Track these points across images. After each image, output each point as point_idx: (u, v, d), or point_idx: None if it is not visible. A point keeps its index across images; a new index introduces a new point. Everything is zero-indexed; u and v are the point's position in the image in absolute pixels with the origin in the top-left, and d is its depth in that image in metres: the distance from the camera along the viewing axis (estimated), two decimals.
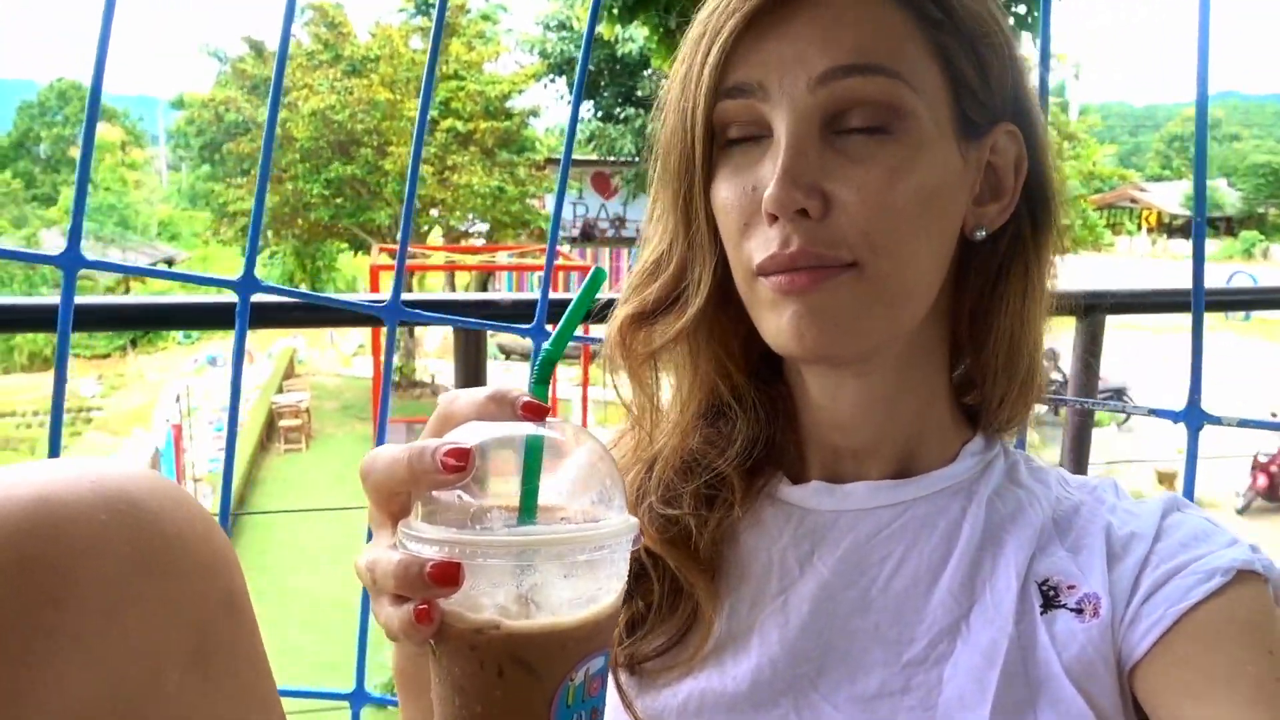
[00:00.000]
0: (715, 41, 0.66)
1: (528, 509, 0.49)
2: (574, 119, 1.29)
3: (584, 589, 0.50)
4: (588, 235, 21.02)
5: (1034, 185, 0.72)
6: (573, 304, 0.54)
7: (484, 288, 20.15)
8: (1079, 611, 0.67)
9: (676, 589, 0.73)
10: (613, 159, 19.55)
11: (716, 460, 0.75)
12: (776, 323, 0.67)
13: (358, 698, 1.27)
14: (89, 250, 1.11)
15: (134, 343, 21.25)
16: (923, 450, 0.75)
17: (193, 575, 0.49)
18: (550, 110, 22.11)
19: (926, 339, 0.73)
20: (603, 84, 21.61)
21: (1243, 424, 1.13)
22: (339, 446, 13.18)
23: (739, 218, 0.68)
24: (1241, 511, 10.92)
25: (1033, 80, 0.73)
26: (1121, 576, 0.68)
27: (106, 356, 21.07)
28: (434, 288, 21.60)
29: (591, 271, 0.55)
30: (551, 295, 1.27)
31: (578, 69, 1.24)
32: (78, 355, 20.20)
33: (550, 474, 0.50)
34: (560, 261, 12.98)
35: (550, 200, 21.11)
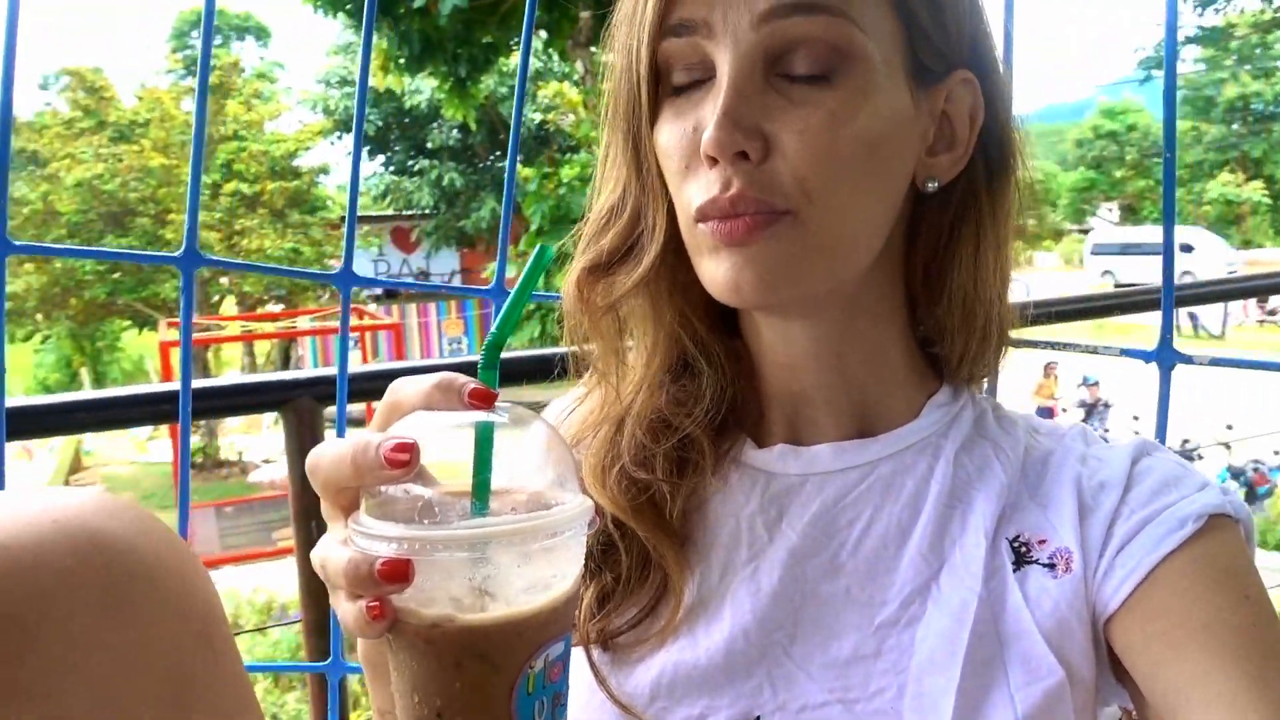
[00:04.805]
0: None
1: (480, 499, 0.47)
2: (356, 169, 1.22)
3: (539, 576, 0.48)
4: (392, 293, 20.51)
5: (990, 137, 0.70)
6: (518, 285, 0.52)
7: (286, 356, 19.28)
8: (1051, 566, 0.66)
9: (645, 560, 0.71)
10: (410, 212, 19.16)
11: (684, 420, 0.73)
12: (714, 271, 0.65)
13: (334, 668, 1.27)
14: None
15: None
16: (881, 406, 0.73)
17: (166, 614, 0.46)
18: (340, 167, 21.57)
19: (876, 290, 0.71)
20: (392, 138, 21.23)
21: (1214, 362, 1.10)
22: None
23: (680, 160, 0.65)
24: None
25: (995, 27, 0.71)
26: (1093, 529, 0.66)
27: None
28: (231, 360, 20.45)
29: (537, 249, 0.52)
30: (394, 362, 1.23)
31: (355, 120, 1.20)
32: None
33: (501, 460, 0.48)
34: (367, 321, 12.54)
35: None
